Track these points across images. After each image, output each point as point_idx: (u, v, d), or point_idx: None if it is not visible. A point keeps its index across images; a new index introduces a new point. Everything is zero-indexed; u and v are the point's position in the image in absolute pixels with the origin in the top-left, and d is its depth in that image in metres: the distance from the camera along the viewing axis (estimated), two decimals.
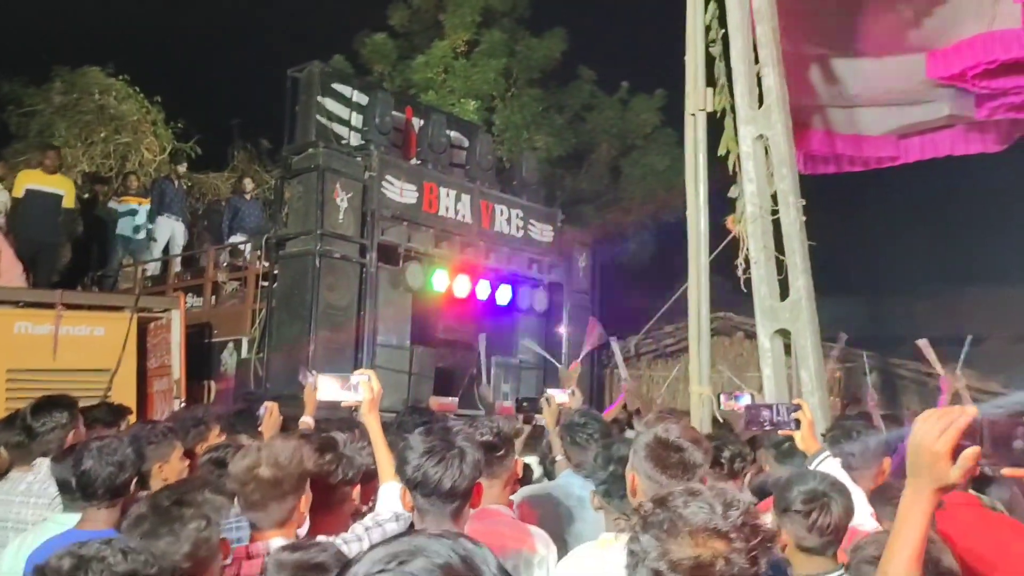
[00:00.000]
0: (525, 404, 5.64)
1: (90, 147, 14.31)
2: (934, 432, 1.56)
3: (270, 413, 4.78)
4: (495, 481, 3.17)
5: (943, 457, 1.57)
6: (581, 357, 8.95)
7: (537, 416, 5.50)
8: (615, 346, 9.48)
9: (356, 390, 3.27)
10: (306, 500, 2.77)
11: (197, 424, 4.87)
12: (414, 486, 2.60)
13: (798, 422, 3.56)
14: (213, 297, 10.98)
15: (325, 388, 3.37)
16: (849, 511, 2.79)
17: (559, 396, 6.26)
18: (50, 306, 8.15)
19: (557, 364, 9.39)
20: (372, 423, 3.30)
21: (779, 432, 3.75)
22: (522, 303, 10.89)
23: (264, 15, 20.74)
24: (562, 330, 11.44)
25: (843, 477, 3.28)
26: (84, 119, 14.47)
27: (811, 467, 3.44)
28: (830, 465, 3.43)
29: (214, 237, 12.70)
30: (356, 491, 3.08)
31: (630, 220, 17.40)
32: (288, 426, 5.38)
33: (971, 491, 3.46)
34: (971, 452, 1.56)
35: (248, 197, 12.95)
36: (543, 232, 11.58)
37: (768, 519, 3.46)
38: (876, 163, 9.28)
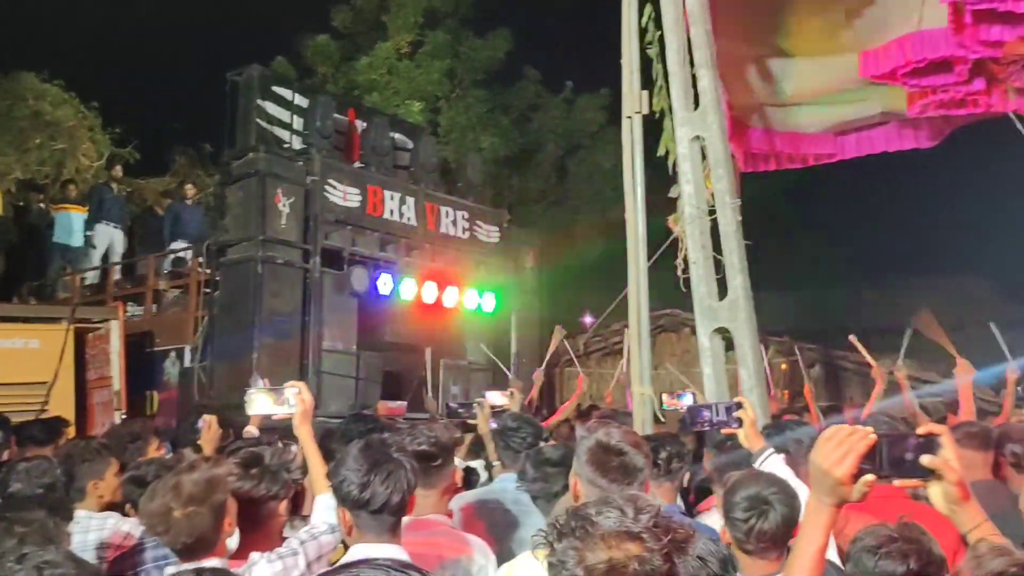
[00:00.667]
0: (459, 410, 5.58)
1: (24, 154, 13.94)
2: (835, 457, 1.67)
3: (208, 427, 4.71)
4: (432, 491, 3.15)
5: (844, 482, 1.69)
6: (545, 364, 8.93)
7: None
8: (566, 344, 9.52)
9: (288, 403, 3.24)
10: (230, 519, 2.73)
11: (135, 439, 4.77)
12: (348, 502, 2.57)
13: (740, 420, 3.58)
14: (154, 306, 10.79)
15: (257, 403, 3.34)
16: (791, 516, 2.78)
17: (496, 398, 6.26)
18: None
19: (506, 369, 9.39)
20: (304, 435, 3.27)
21: (722, 431, 3.77)
22: (470, 305, 10.86)
23: (203, 17, 20.38)
24: (511, 331, 11.45)
25: (788, 474, 3.32)
26: (18, 125, 14.09)
27: (756, 465, 3.47)
28: (774, 462, 3.45)
29: (154, 244, 12.45)
30: (283, 506, 3.03)
31: (577, 219, 17.50)
32: (231, 435, 5.33)
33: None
34: (868, 479, 1.69)
35: (189, 203, 12.71)
36: (490, 233, 11.57)
37: (711, 519, 3.50)
38: (814, 160, 9.45)
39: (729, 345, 5.53)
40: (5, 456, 5.36)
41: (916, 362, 12.39)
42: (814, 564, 1.77)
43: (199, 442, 4.70)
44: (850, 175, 9.92)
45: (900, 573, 2.43)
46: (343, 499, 2.59)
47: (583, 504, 1.54)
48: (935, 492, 1.74)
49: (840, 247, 25.83)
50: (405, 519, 3.12)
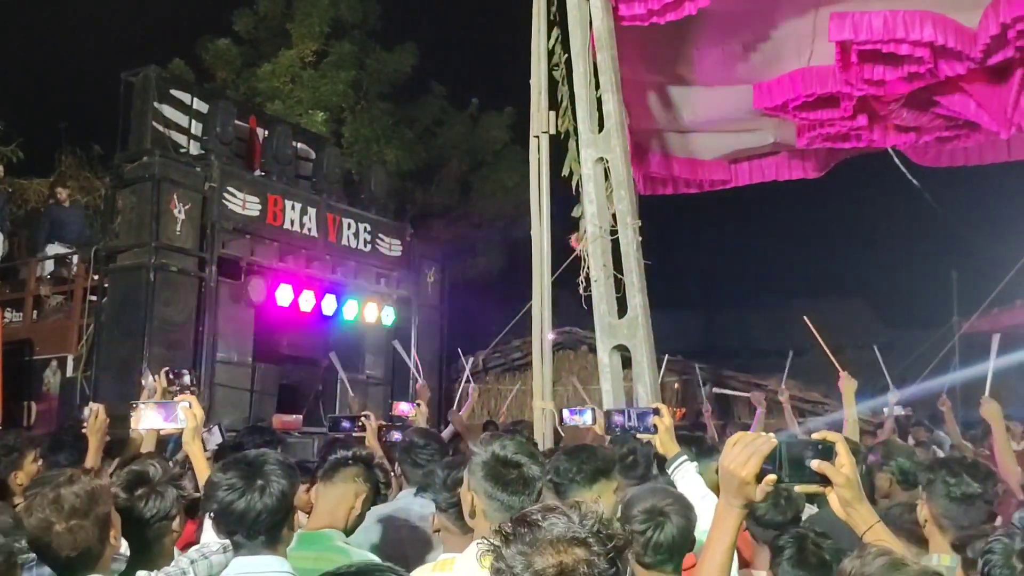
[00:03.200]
0: (343, 423, 5.41)
1: None
2: (741, 459, 1.77)
3: (95, 415, 4.46)
4: (329, 502, 3.16)
5: (749, 482, 1.81)
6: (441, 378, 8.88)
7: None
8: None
9: (178, 418, 3.13)
10: (115, 532, 2.63)
11: (9, 452, 4.50)
12: (219, 520, 2.55)
13: (656, 427, 3.60)
14: (35, 312, 10.27)
15: (146, 417, 3.22)
16: (687, 528, 2.85)
17: (404, 409, 6.22)
18: None
19: (419, 376, 9.30)
20: (194, 451, 3.18)
21: (637, 436, 3.83)
22: (369, 317, 10.77)
23: (99, 12, 19.59)
24: (411, 345, 11.38)
25: (698, 482, 3.43)
26: None
27: (669, 470, 3.56)
28: (687, 468, 3.53)
29: (36, 247, 11.84)
30: (176, 522, 2.94)
31: (480, 235, 17.57)
32: (117, 445, 5.11)
33: None
34: (770, 478, 1.80)
35: (67, 205, 12.12)
36: (392, 246, 11.51)
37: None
38: (710, 186, 9.81)
39: (626, 362, 5.66)
40: None
41: (799, 382, 12.94)
42: (723, 561, 1.89)
43: (84, 431, 4.48)
44: (739, 199, 10.33)
45: None
46: (213, 515, 2.56)
47: (527, 512, 1.57)
48: (832, 497, 1.85)
49: (727, 269, 26.79)
50: (299, 532, 3.09)
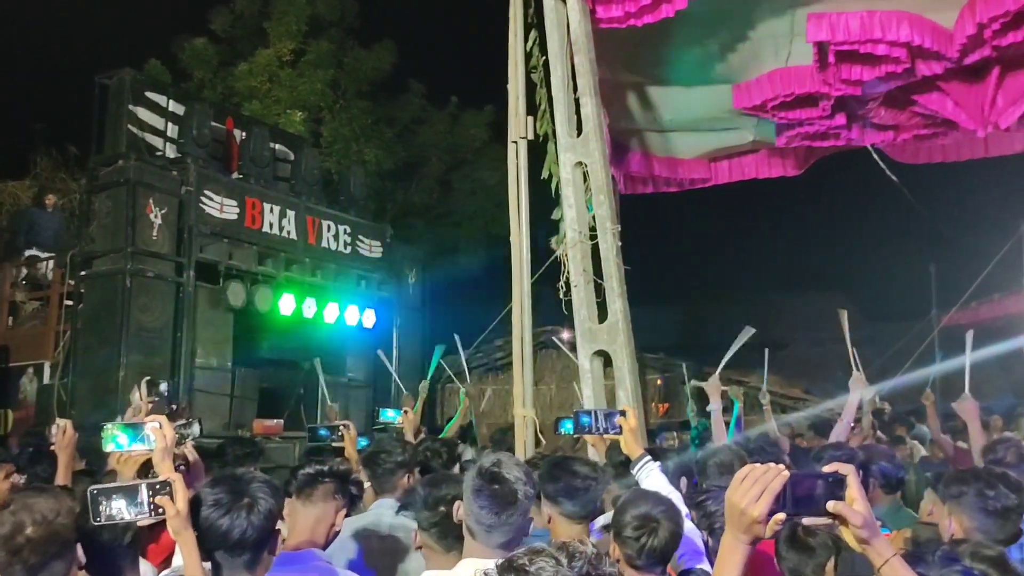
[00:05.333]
0: (320, 431, 5.34)
1: None
2: (751, 496, 1.71)
3: (63, 431, 4.38)
4: (309, 518, 3.12)
5: (760, 521, 1.76)
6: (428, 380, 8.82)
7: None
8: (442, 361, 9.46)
9: (148, 439, 3.00)
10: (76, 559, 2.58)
11: None
12: (203, 538, 2.51)
13: (621, 428, 3.70)
14: (10, 318, 10.15)
15: (113, 439, 3.08)
16: (678, 532, 2.94)
17: (389, 415, 6.18)
18: None
19: (401, 386, 9.27)
20: (165, 472, 3.11)
21: (604, 436, 3.88)
22: (350, 320, 10.70)
23: (73, 11, 19.36)
24: (393, 347, 11.34)
25: (663, 482, 3.54)
26: None
27: (634, 471, 3.66)
28: (651, 469, 3.62)
29: (9, 252, 11.67)
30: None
31: (461, 234, 17.52)
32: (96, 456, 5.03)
33: None
34: (779, 517, 1.76)
35: (49, 210, 11.97)
36: (372, 248, 11.44)
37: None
38: (690, 184, 9.83)
39: (607, 363, 5.65)
40: None
41: (780, 377, 12.98)
42: None
43: (52, 449, 4.41)
44: (721, 195, 10.34)
45: None
46: (198, 534, 2.51)
47: (513, 556, 1.55)
48: (847, 532, 1.81)
49: (706, 264, 26.86)
50: (280, 552, 3.05)
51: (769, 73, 7.33)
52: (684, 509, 3.30)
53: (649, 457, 3.68)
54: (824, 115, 7.72)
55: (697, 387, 11.29)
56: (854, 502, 1.75)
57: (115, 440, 2.96)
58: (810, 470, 1.85)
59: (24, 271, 10.88)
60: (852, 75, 6.89)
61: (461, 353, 8.53)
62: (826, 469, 1.80)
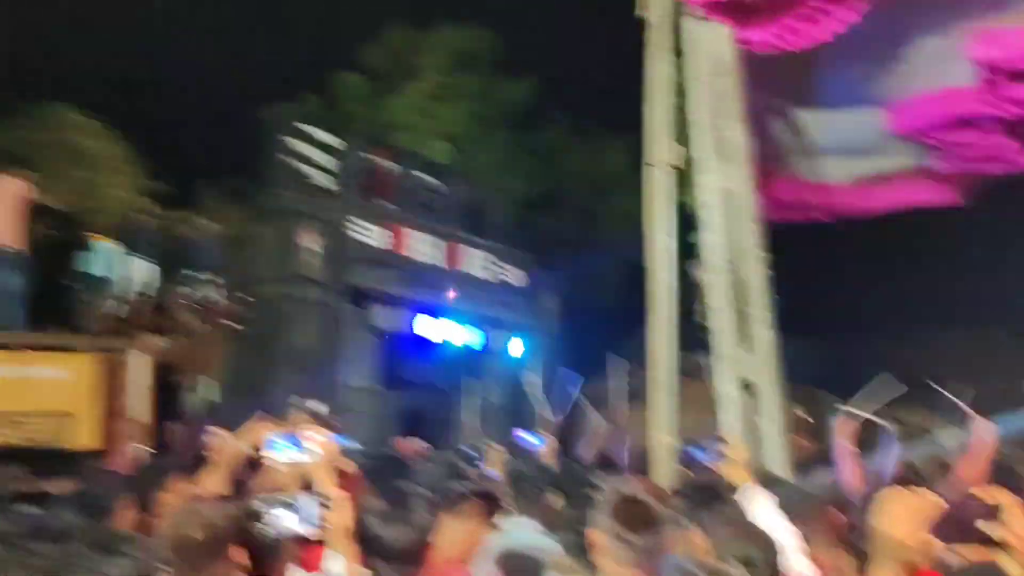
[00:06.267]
0: (470, 452, 5.54)
1: (59, 183, 14.15)
2: (905, 525, 1.62)
3: (224, 442, 4.67)
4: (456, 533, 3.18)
5: (917, 552, 1.62)
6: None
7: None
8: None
9: (306, 450, 3.11)
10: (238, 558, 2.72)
11: (156, 475, 4.77)
12: (367, 549, 2.59)
13: (725, 456, 3.71)
14: (179, 338, 10.84)
15: (278, 450, 3.20)
16: (776, 570, 2.80)
17: (529, 440, 6.24)
18: (11, 347, 8.03)
19: (542, 411, 9.30)
20: (326, 485, 3.24)
21: (707, 465, 3.86)
22: (492, 346, 10.87)
23: (237, 54, 20.78)
24: (534, 374, 11.40)
25: (770, 508, 3.38)
26: (55, 156, 14.33)
27: (737, 498, 3.51)
28: (756, 497, 3.50)
29: (178, 276, 12.53)
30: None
31: (603, 263, 17.47)
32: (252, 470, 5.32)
33: None
34: (938, 546, 1.71)
35: (209, 236, 12.82)
36: (515, 275, 11.61)
37: None
38: (842, 211, 9.44)
39: (749, 394, 5.50)
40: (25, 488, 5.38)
41: (935, 413, 12.22)
42: None
43: (210, 459, 4.70)
44: (874, 222, 9.85)
45: None
46: (362, 544, 2.60)
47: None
48: (1005, 559, 1.68)
49: (859, 294, 25.60)
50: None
51: (927, 94, 6.99)
52: (796, 543, 3.16)
53: (756, 485, 3.60)
54: (989, 138, 7.28)
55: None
56: (1013, 527, 1.62)
57: (277, 447, 3.10)
58: (966, 498, 1.73)
59: (192, 294, 11.65)
60: (1020, 95, 6.48)
61: (606, 379, 8.46)
62: (981, 495, 1.69)
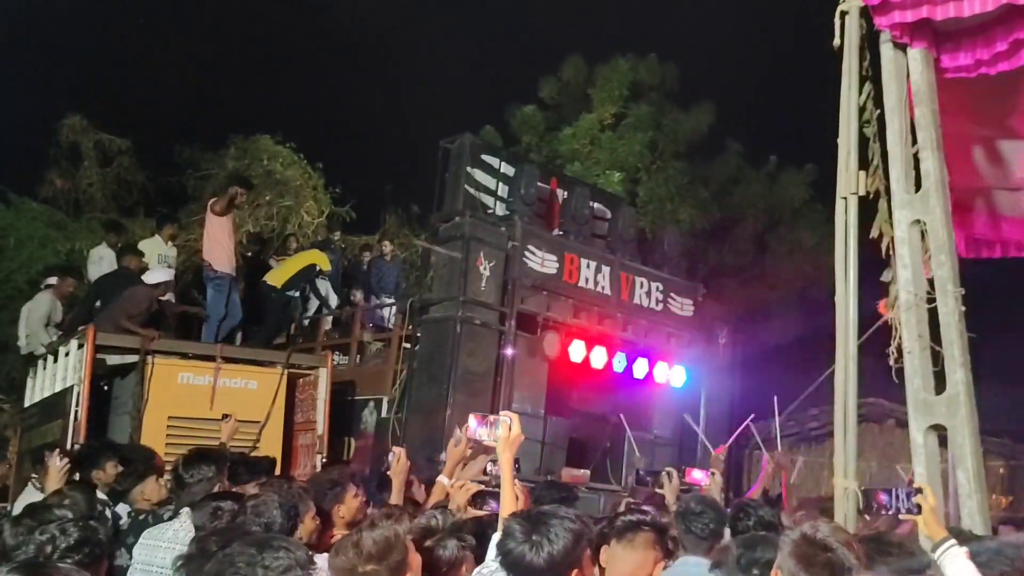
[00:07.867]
0: (646, 477, 5.61)
1: (256, 209, 15.26)
2: None
3: (398, 459, 4.94)
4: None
5: None
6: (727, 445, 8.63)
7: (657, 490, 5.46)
8: (752, 428, 9.17)
9: (495, 427, 3.55)
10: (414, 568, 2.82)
11: (333, 486, 4.99)
12: (503, 565, 2.69)
13: (919, 507, 3.50)
14: (358, 356, 11.39)
15: (473, 430, 3.71)
16: None
17: (697, 477, 6.15)
18: (211, 359, 8.69)
19: (709, 446, 9.14)
20: (504, 461, 3.52)
21: (900, 517, 3.71)
22: (659, 377, 10.73)
23: (420, 87, 21.80)
24: (700, 408, 11.17)
25: (970, 569, 3.22)
26: (253, 183, 15.46)
27: (936, 556, 3.35)
28: (954, 554, 3.30)
29: (362, 297, 13.21)
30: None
31: (774, 296, 16.93)
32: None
33: None
34: None
35: (388, 259, 13.49)
36: (683, 306, 11.44)
37: None
38: None
39: (942, 442, 5.14)
40: (216, 489, 5.76)
41: None
42: None
43: (388, 473, 4.92)
44: None
45: None
46: (502, 559, 2.69)
47: None
48: None
49: None
50: None
51: None
52: None
53: (954, 541, 3.35)
54: None
55: None
56: None
57: (474, 431, 3.68)
58: None
59: (371, 315, 12.23)
60: None
61: (776, 418, 8.18)
62: None
